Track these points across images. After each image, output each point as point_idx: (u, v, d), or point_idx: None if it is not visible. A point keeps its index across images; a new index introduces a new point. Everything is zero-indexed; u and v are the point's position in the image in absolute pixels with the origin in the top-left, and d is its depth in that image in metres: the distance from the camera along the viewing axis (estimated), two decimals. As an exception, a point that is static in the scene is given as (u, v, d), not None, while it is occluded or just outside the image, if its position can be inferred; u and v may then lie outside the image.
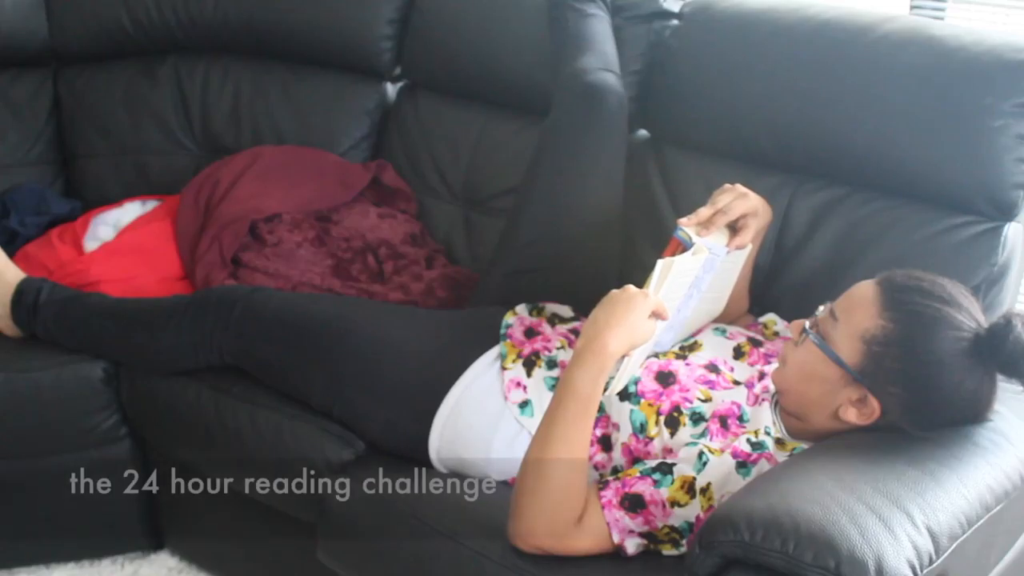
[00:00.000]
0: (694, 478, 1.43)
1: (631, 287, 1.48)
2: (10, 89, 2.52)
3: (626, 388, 1.59)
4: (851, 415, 1.45)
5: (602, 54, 2.08)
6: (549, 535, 1.41)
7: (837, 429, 1.48)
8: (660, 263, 1.50)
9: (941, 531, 1.26)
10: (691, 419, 1.53)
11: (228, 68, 2.56)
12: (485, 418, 1.68)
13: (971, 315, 1.42)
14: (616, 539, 1.42)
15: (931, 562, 1.23)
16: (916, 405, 1.42)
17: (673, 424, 1.53)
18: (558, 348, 1.72)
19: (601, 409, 1.60)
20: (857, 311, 1.45)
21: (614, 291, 1.48)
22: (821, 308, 1.51)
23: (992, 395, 1.45)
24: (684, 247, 1.56)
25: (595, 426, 1.59)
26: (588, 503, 1.43)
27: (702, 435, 1.50)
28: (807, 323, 1.50)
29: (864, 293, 1.46)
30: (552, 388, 1.65)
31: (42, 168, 2.54)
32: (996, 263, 1.77)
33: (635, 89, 2.15)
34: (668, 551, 1.45)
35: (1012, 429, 1.47)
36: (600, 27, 2.13)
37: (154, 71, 2.55)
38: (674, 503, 1.42)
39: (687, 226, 1.59)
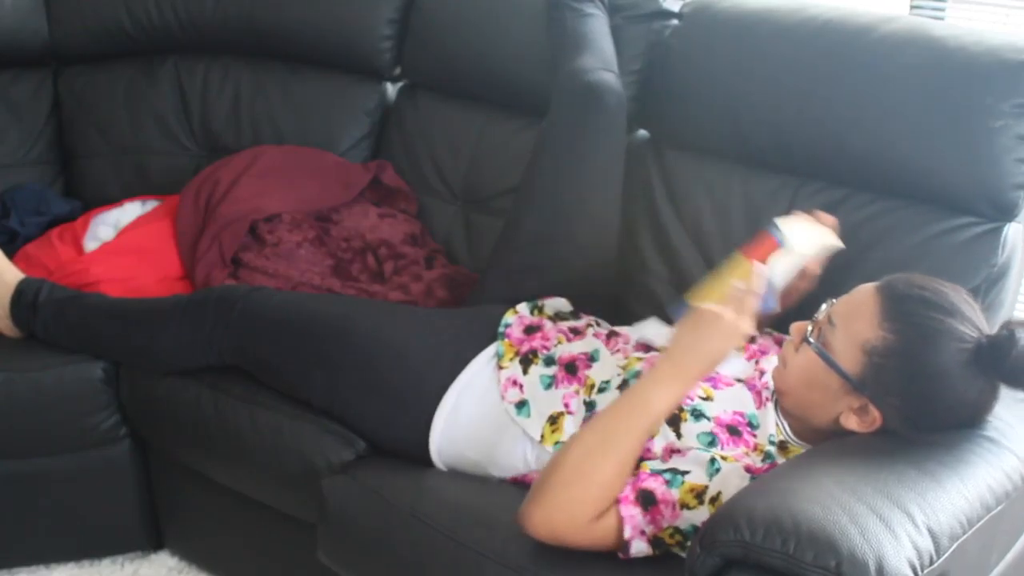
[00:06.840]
0: (705, 487, 1.41)
1: (722, 309, 1.43)
2: (10, 89, 2.52)
3: (625, 382, 1.59)
4: (852, 422, 1.45)
5: (601, 54, 2.08)
6: (568, 525, 1.38)
7: (838, 432, 1.48)
8: (757, 267, 1.47)
9: (942, 531, 1.26)
10: (692, 415, 1.52)
11: (228, 68, 2.56)
12: (484, 417, 1.68)
13: (973, 324, 1.41)
14: (627, 534, 1.39)
15: (932, 562, 1.23)
16: (916, 415, 1.41)
17: (675, 423, 1.52)
18: (556, 345, 1.72)
19: (593, 407, 1.60)
20: (857, 319, 1.44)
21: (705, 310, 1.44)
22: (824, 306, 1.50)
23: (993, 401, 1.44)
24: (777, 244, 1.50)
25: None
26: None
27: (712, 443, 1.49)
28: (808, 328, 1.49)
29: (864, 300, 1.45)
30: (548, 387, 1.65)
31: (42, 168, 2.54)
32: (996, 264, 1.77)
33: (635, 89, 2.15)
34: (675, 552, 1.44)
35: (1012, 430, 1.47)
36: (598, 27, 2.13)
37: (154, 71, 2.55)
38: (683, 505, 1.40)
39: (784, 224, 1.53)
